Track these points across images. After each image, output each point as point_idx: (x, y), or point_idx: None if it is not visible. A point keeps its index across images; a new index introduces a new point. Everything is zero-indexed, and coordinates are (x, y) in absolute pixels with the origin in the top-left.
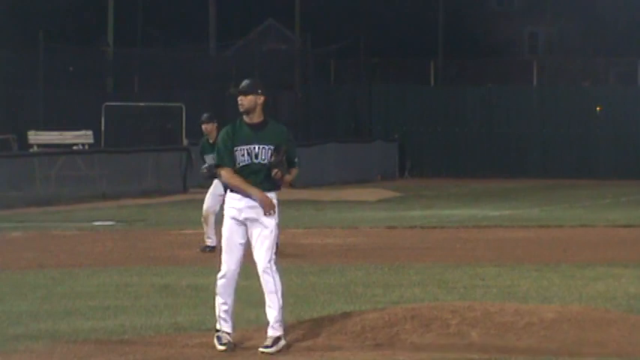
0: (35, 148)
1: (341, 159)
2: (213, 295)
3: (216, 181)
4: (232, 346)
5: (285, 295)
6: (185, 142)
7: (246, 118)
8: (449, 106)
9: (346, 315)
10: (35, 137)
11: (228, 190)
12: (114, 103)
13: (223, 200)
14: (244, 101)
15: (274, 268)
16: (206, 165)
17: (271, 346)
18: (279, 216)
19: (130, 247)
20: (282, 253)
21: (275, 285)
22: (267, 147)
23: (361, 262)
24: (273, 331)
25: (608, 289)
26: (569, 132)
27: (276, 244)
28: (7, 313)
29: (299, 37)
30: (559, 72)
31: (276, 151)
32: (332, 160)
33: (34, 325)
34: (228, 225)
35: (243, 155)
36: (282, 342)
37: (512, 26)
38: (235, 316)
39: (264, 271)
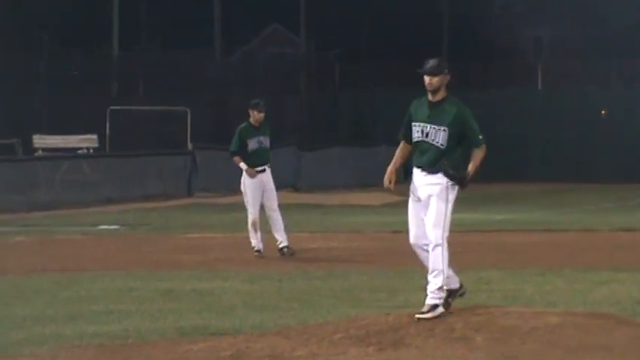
0: (39, 153)
1: (345, 163)
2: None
3: (254, 186)
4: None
5: (289, 300)
6: (190, 146)
7: (429, 96)
8: None
9: (351, 319)
10: (39, 141)
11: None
12: (118, 107)
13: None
14: (433, 81)
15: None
16: None
17: (427, 312)
18: (450, 199)
19: (134, 251)
20: (287, 257)
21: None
22: (437, 127)
23: (366, 266)
24: (430, 299)
25: (613, 294)
26: (572, 135)
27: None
28: (11, 317)
29: (304, 41)
30: (562, 75)
31: (450, 169)
32: (336, 164)
33: (37, 329)
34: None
35: (418, 132)
36: (440, 309)
37: (516, 30)
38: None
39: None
